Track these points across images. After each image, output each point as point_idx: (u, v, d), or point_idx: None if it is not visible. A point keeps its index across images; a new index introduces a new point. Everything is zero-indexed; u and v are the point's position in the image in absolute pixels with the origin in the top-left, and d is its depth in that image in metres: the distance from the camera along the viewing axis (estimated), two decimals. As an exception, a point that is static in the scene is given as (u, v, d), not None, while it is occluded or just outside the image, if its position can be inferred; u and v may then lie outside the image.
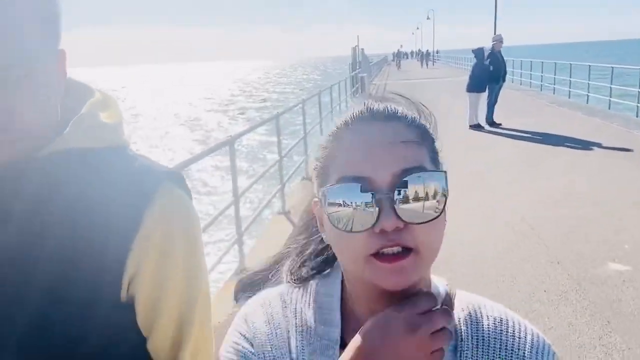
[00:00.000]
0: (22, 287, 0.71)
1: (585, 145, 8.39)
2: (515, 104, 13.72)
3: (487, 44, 11.15)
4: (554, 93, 16.82)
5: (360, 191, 0.58)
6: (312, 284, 0.74)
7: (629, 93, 12.17)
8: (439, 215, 0.60)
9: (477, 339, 0.65)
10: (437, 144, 0.66)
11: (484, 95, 10.74)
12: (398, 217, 0.57)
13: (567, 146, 8.41)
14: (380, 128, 0.62)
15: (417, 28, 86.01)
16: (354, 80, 17.72)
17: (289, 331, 0.70)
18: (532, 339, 0.66)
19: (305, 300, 0.72)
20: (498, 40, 10.82)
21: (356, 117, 0.64)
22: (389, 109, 0.64)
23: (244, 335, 0.72)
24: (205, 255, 0.86)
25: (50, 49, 0.74)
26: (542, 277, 3.78)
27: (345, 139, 0.63)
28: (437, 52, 69.83)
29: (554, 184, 6.21)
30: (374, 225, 0.58)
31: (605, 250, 4.19)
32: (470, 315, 0.67)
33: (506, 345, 0.65)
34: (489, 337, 0.65)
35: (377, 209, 0.58)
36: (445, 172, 0.62)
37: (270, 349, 0.70)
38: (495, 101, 10.83)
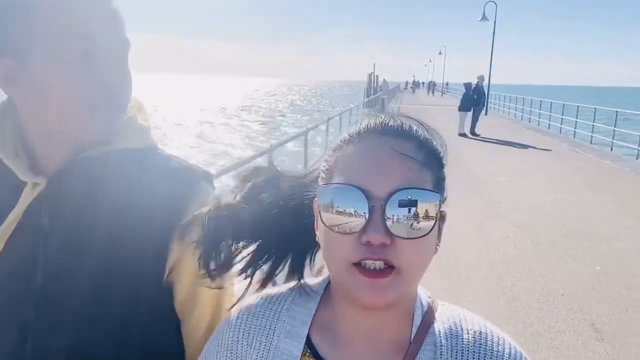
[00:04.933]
0: (75, 272, 0.79)
1: (527, 147, 13.68)
2: (496, 125, 19.08)
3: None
4: (529, 122, 22.16)
5: (356, 197, 0.59)
6: (292, 291, 0.74)
7: (579, 124, 17.33)
8: (427, 234, 0.60)
9: (457, 352, 0.66)
10: (445, 171, 0.67)
11: (470, 114, 16.07)
12: (387, 229, 0.58)
13: (516, 146, 13.71)
14: (388, 143, 0.63)
15: (430, 61, 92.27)
16: (370, 104, 19.04)
17: (252, 344, 0.70)
18: (510, 353, 0.67)
19: (280, 310, 0.71)
20: (480, 79, 16.43)
21: (370, 129, 0.65)
22: (402, 126, 0.65)
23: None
24: None
25: None
26: (474, 195, 9.00)
27: (354, 147, 0.64)
28: (447, 84, 75.08)
29: (503, 161, 11.45)
30: (361, 232, 0.59)
31: (506, 179, 9.42)
32: (451, 329, 0.68)
33: (484, 359, 0.65)
34: (468, 350, 0.66)
35: (367, 217, 0.59)
36: (439, 193, 0.62)
37: None
38: (477, 119, 16.15)
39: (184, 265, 0.81)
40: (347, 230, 0.60)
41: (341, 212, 0.60)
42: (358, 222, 0.59)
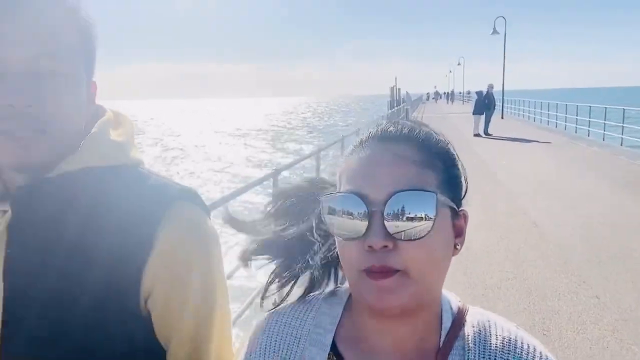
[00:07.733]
0: (37, 300, 0.72)
1: (531, 141, 16.38)
2: (509, 126, 21.81)
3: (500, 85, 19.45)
4: (541, 122, 24.71)
5: (356, 204, 0.61)
6: (318, 300, 0.74)
7: (580, 121, 19.97)
8: (426, 235, 0.60)
9: (484, 357, 0.65)
10: (458, 170, 0.70)
11: (482, 117, 18.87)
12: (386, 233, 0.59)
13: (521, 141, 16.42)
14: (388, 148, 0.64)
15: (450, 71, 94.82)
16: (394, 116, 18.69)
17: (279, 352, 0.70)
18: None
19: (306, 318, 0.72)
20: (490, 86, 19.41)
21: (371, 137, 0.67)
22: (401, 130, 0.66)
23: None
24: (224, 270, 0.85)
25: (81, 62, 0.73)
26: (478, 171, 11.80)
27: (357, 156, 0.66)
28: (469, 92, 77.23)
29: (507, 151, 14.20)
30: (363, 237, 0.60)
31: (506, 162, 12.14)
32: (480, 333, 0.67)
33: None
34: (496, 356, 0.65)
35: (367, 222, 0.60)
36: (435, 193, 0.61)
37: None
38: (489, 120, 18.93)
39: (156, 295, 0.76)
40: (352, 237, 0.62)
41: (345, 220, 0.62)
42: (360, 228, 0.61)
